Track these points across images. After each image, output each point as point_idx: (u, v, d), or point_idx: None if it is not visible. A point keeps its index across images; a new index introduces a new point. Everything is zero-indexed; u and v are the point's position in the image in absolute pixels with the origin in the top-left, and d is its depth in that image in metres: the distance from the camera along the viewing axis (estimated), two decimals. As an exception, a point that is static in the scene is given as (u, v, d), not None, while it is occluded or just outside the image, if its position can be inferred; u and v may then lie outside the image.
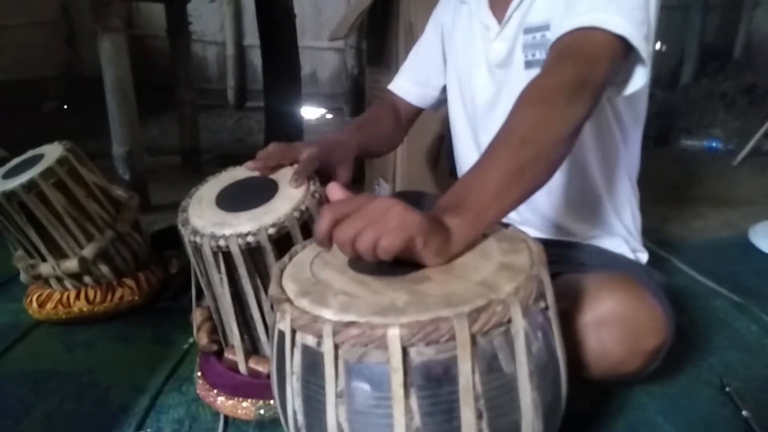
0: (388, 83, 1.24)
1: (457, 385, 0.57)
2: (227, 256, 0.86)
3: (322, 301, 0.61)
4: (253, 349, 0.97)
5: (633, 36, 0.76)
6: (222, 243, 0.84)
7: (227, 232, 0.85)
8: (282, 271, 0.71)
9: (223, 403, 0.94)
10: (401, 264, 0.66)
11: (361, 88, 4.14)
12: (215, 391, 0.96)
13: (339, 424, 0.60)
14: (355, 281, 0.65)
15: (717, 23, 4.35)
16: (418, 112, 1.23)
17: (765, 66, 3.71)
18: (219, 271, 0.89)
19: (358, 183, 2.05)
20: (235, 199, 0.91)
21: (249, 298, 0.90)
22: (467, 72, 1.09)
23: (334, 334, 0.57)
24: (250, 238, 0.84)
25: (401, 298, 0.60)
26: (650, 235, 1.29)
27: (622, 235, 1.08)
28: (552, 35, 0.84)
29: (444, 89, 1.19)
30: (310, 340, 0.60)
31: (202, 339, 1.02)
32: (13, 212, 1.16)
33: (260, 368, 0.95)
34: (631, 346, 0.80)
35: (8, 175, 1.20)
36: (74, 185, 1.20)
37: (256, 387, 0.94)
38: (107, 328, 1.26)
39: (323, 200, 0.92)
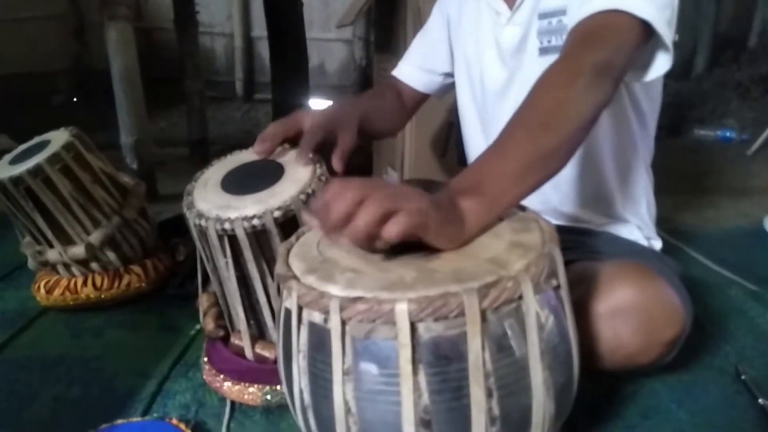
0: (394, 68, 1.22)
1: (466, 362, 0.56)
2: (233, 239, 0.85)
3: (328, 278, 0.60)
4: (259, 334, 0.96)
5: (656, 20, 0.74)
6: (227, 226, 0.83)
7: (232, 215, 0.84)
8: (289, 250, 0.70)
9: (229, 388, 0.93)
10: (410, 243, 0.65)
11: (370, 80, 4.12)
12: (222, 376, 0.95)
13: (346, 402, 0.58)
14: (362, 259, 0.64)
15: (731, 12, 4.28)
16: (422, 98, 1.21)
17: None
18: (224, 255, 0.88)
19: (365, 172, 2.03)
20: (240, 182, 0.90)
21: (255, 282, 0.89)
22: (477, 59, 1.06)
23: (341, 309, 0.56)
24: (255, 221, 0.83)
25: (409, 274, 0.59)
26: (663, 224, 1.27)
27: (635, 223, 1.06)
28: (570, 19, 0.83)
29: (449, 76, 1.17)
30: (317, 317, 0.59)
31: (209, 324, 1.01)
32: (20, 198, 1.16)
33: (267, 353, 0.94)
34: (648, 337, 0.78)
35: (15, 161, 1.20)
36: (81, 171, 1.20)
37: (263, 372, 0.93)
38: (114, 315, 1.26)
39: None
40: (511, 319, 0.58)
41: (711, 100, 3.48)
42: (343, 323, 0.57)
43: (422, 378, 0.56)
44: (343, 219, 0.57)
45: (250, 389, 0.92)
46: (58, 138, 1.21)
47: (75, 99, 4.33)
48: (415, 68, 1.17)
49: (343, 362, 0.58)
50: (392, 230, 0.56)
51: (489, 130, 1.07)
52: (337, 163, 0.91)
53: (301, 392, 0.63)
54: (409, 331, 0.55)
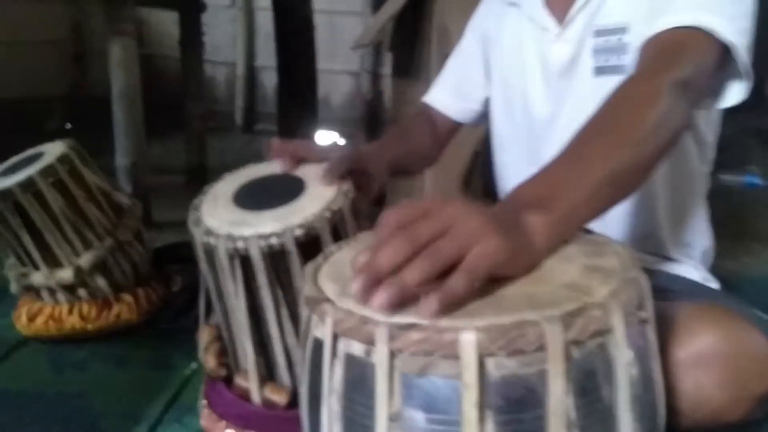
0: (417, 94, 1.15)
1: (544, 408, 0.45)
2: (245, 261, 0.75)
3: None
4: (268, 374, 0.85)
5: (737, 45, 0.70)
6: (240, 245, 0.73)
7: (246, 232, 0.74)
8: (317, 270, 0.60)
9: (232, 435, 0.82)
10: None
11: (376, 114, 4.07)
12: (223, 422, 0.84)
13: (391, 457, 0.47)
14: None
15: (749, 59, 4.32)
16: (457, 127, 1.13)
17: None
18: (234, 280, 0.77)
19: (378, 205, 1.94)
20: (256, 197, 0.81)
21: (268, 312, 0.78)
22: (520, 81, 0.98)
23: (390, 339, 0.46)
24: (273, 240, 0.73)
25: (472, 298, 0.49)
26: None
27: (691, 264, 0.96)
28: (641, 33, 0.77)
29: (486, 102, 1.09)
30: (357, 349, 0.49)
31: (210, 362, 0.90)
32: (7, 213, 1.07)
33: (276, 397, 0.83)
34: (737, 390, 0.67)
35: (5, 174, 1.11)
36: (74, 186, 1.11)
37: (272, 419, 0.82)
38: (101, 348, 1.16)
39: (356, 204, 0.82)
40: (598, 356, 0.47)
41: (733, 146, 3.46)
42: (392, 356, 0.46)
43: (490, 427, 0.45)
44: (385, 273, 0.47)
45: (257, 438, 0.80)
46: (53, 150, 1.13)
47: (70, 125, 4.25)
48: (449, 95, 1.09)
49: (390, 405, 0.47)
50: (458, 286, 0.46)
51: (537, 157, 0.98)
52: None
53: (332, 443, 0.52)
54: (477, 368, 0.44)
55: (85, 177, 1.13)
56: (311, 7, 2.48)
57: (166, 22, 4.59)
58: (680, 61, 0.68)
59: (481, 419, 0.45)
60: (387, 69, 4.28)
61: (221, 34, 4.60)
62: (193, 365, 1.05)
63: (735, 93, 0.75)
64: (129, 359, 1.13)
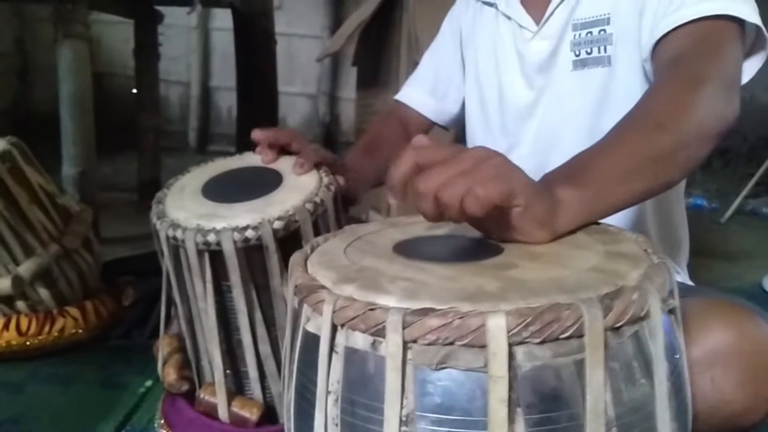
0: (383, 105, 1.10)
1: (581, 406, 0.39)
2: (216, 257, 0.67)
3: (375, 287, 0.43)
4: (237, 388, 0.76)
5: (762, 27, 0.70)
6: (211, 238, 0.66)
7: (219, 225, 0.66)
8: (305, 259, 0.53)
9: (194, 457, 0.72)
10: (469, 253, 0.50)
11: (333, 136, 4.03)
12: (184, 442, 0.74)
13: (403, 467, 0.40)
14: (413, 268, 0.48)
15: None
16: (430, 127, 1.08)
17: (737, 131, 3.85)
18: (203, 279, 0.69)
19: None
20: (228, 190, 0.73)
21: (240, 316, 0.70)
22: (495, 79, 0.95)
23: (404, 326, 0.39)
24: (249, 233, 0.65)
25: (490, 284, 0.43)
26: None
27: (675, 268, 0.94)
28: (623, 24, 0.78)
29: (458, 102, 1.05)
30: (361, 341, 0.42)
31: (170, 375, 0.80)
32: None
33: (246, 413, 0.74)
34: (756, 389, 0.63)
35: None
36: (16, 187, 1.00)
37: (241, 437, 0.72)
38: (42, 367, 1.04)
39: (340, 197, 0.75)
40: (634, 345, 0.42)
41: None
42: (405, 347, 0.40)
43: (521, 428, 0.39)
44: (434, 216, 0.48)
45: (224, 459, 0.71)
46: (-7, 146, 1.01)
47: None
48: (426, 95, 1.05)
49: (402, 405, 0.40)
50: (473, 206, 0.46)
51: (511, 154, 0.94)
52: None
53: (326, 454, 0.44)
54: (507, 358, 0.38)
55: (29, 177, 1.03)
56: (273, 28, 2.43)
57: (117, 40, 4.46)
58: (719, 50, 0.67)
59: (511, 419, 0.38)
60: (345, 92, 4.27)
61: (176, 53, 4.50)
62: (148, 383, 0.95)
63: (747, 70, 0.74)
64: (74, 379, 1.01)
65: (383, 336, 0.40)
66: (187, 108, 4.74)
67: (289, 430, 0.50)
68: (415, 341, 0.40)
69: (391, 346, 0.40)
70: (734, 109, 0.66)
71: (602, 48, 0.83)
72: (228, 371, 0.74)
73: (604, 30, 0.82)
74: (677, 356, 0.46)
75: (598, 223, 0.59)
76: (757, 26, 0.70)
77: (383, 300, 0.41)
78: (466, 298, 0.40)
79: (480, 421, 0.39)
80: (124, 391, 0.95)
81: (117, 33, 4.30)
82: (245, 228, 0.65)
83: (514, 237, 0.51)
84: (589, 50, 0.84)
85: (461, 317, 0.39)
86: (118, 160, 3.57)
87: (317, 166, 0.76)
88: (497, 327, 0.38)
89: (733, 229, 2.86)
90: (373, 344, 0.41)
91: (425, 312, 0.39)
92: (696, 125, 0.61)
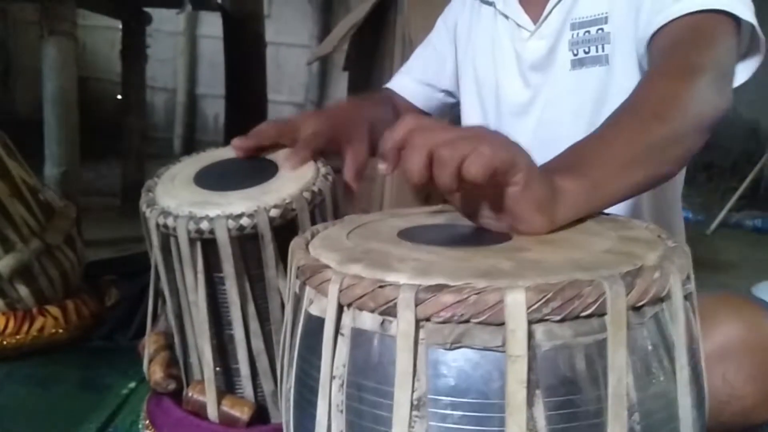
0: None
1: (602, 389, 0.37)
2: (208, 246, 0.65)
3: (384, 266, 0.41)
4: (227, 386, 0.73)
5: (755, 24, 0.69)
6: (204, 226, 0.63)
7: (212, 212, 0.63)
8: (307, 243, 0.50)
9: (182, 458, 0.69)
10: (477, 238, 0.48)
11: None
12: (170, 443, 0.70)
13: (414, 455, 0.38)
14: (421, 250, 0.46)
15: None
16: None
17: (720, 146, 3.91)
18: (194, 270, 0.66)
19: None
20: (221, 178, 0.71)
21: (232, 309, 0.67)
22: (491, 77, 0.95)
23: (417, 303, 0.37)
24: (244, 221, 0.63)
25: (503, 263, 0.41)
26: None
27: None
28: (621, 23, 0.78)
29: (450, 95, 1.06)
30: (369, 321, 0.40)
31: (156, 373, 0.77)
32: None
33: (237, 413, 0.71)
34: (766, 383, 0.62)
35: None
36: (-3, 179, 0.95)
37: (231, 437, 0.69)
38: (20, 367, 0.99)
39: (336, 189, 0.73)
40: (655, 327, 0.40)
41: (661, 185, 3.69)
42: (417, 326, 0.37)
43: (540, 412, 0.37)
44: (421, 175, 0.45)
45: (213, 460, 0.68)
46: (-27, 137, 0.98)
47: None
48: (414, 81, 1.05)
49: (413, 388, 0.38)
50: (474, 167, 0.43)
51: None
52: (351, 179, 0.78)
53: (330, 445, 0.41)
54: (527, 335, 0.36)
55: (10, 170, 0.99)
56: (263, 30, 2.42)
57: (103, 44, 4.42)
58: (713, 42, 0.67)
59: (530, 402, 0.36)
60: (333, 101, 4.27)
61: (162, 58, 4.47)
62: (131, 384, 0.91)
63: (742, 72, 0.74)
64: (54, 379, 0.96)
65: (394, 315, 0.38)
66: (172, 115, 4.69)
67: (287, 423, 0.48)
68: (428, 319, 0.37)
69: (402, 325, 0.38)
70: (727, 99, 0.66)
71: (600, 47, 0.83)
72: (218, 368, 0.71)
73: (602, 29, 0.83)
74: (695, 346, 0.45)
75: (607, 214, 0.58)
76: (752, 28, 0.71)
77: (393, 277, 0.39)
78: (482, 275, 0.38)
79: (497, 404, 0.37)
80: (107, 392, 0.91)
81: (103, 37, 4.26)
82: (240, 216, 0.63)
83: (509, 223, 0.49)
84: (587, 49, 0.84)
85: (478, 293, 0.36)
86: (101, 166, 3.52)
87: (315, 157, 0.74)
88: (516, 303, 0.36)
89: (719, 241, 2.90)
90: (383, 324, 0.39)
91: (439, 288, 0.37)
92: (692, 116, 0.61)
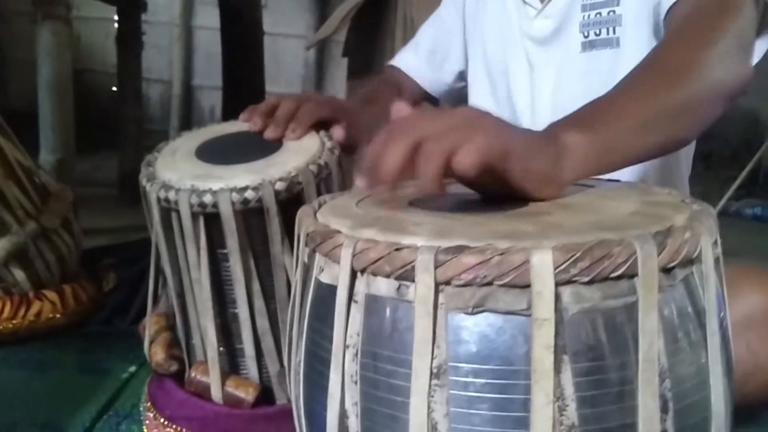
0: None
1: (632, 354, 0.35)
2: (211, 220, 0.62)
3: (400, 229, 0.39)
4: (231, 367, 0.71)
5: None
6: (207, 199, 0.61)
7: (216, 185, 0.61)
8: (315, 212, 0.48)
9: (184, 442, 0.67)
10: (493, 205, 0.46)
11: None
12: (174, 426, 0.69)
13: (433, 426, 0.36)
14: (436, 216, 0.44)
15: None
16: (422, 98, 1.04)
17: (719, 135, 3.89)
18: (197, 245, 0.64)
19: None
20: (223, 152, 0.69)
21: (236, 286, 0.65)
22: (501, 57, 0.93)
23: (437, 265, 0.35)
24: (249, 194, 0.61)
25: (525, 226, 0.39)
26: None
27: None
28: (632, 4, 0.77)
29: (460, 78, 1.02)
30: (384, 287, 0.38)
31: (157, 354, 0.75)
32: None
33: (241, 394, 0.69)
34: None
35: None
36: (-8, 160, 0.93)
37: (235, 420, 0.68)
38: (16, 352, 0.96)
39: (342, 163, 0.71)
40: (685, 291, 0.38)
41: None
42: (436, 290, 0.35)
43: (567, 378, 0.35)
44: (399, 169, 0.40)
45: (217, 442, 0.66)
46: (-34, 116, 0.95)
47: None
48: (422, 60, 1.01)
49: (433, 356, 0.36)
50: (465, 161, 0.39)
51: None
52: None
53: (343, 417, 0.39)
54: (554, 297, 0.34)
55: (5, 150, 0.96)
56: (261, 17, 2.39)
57: (98, 36, 4.38)
58: (735, 10, 0.65)
59: (557, 369, 0.34)
60: (330, 92, 4.23)
61: (157, 50, 4.42)
62: (132, 368, 0.89)
63: (758, 49, 0.72)
64: (52, 364, 0.93)
65: (411, 279, 0.36)
66: (168, 107, 4.65)
67: (297, 398, 0.46)
68: (448, 283, 0.35)
69: (421, 289, 0.36)
70: (747, 70, 0.64)
71: (611, 29, 0.82)
72: (221, 348, 0.69)
73: (614, 11, 0.81)
74: (723, 312, 0.43)
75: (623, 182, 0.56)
76: (765, 5, 0.69)
77: (410, 240, 0.37)
78: (504, 236, 0.36)
79: (521, 371, 0.35)
80: (106, 376, 0.88)
81: (97, 29, 4.21)
82: (244, 189, 0.61)
83: (520, 194, 0.46)
84: (597, 31, 0.83)
85: (501, 254, 0.34)
86: (97, 158, 3.48)
87: (316, 129, 0.72)
88: (543, 263, 0.34)
89: (721, 230, 2.87)
90: (399, 289, 0.37)
91: (460, 249, 0.35)
92: (710, 81, 0.59)
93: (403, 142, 0.40)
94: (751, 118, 4.15)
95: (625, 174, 0.67)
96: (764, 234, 2.96)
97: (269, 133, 0.70)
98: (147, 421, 0.72)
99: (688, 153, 0.95)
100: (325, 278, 0.42)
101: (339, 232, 0.41)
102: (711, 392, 0.38)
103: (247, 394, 0.68)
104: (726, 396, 0.40)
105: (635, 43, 0.79)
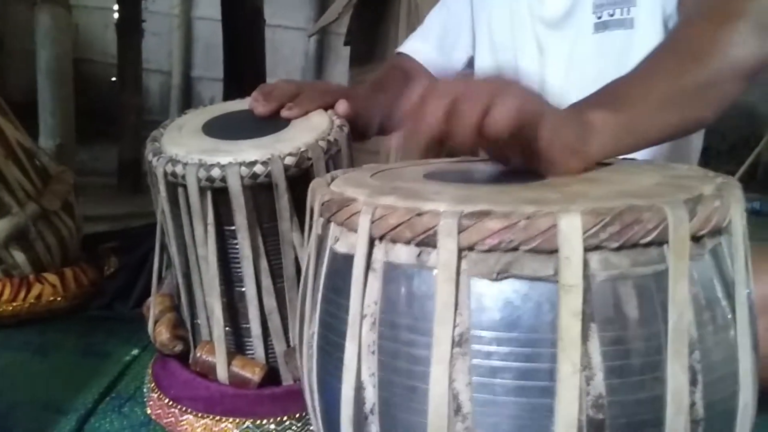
0: None
1: (661, 324, 0.34)
2: (219, 197, 0.61)
3: (419, 196, 0.38)
4: (237, 347, 0.70)
5: None
6: (216, 173, 0.59)
7: (224, 159, 0.60)
8: (329, 183, 0.47)
9: (191, 423, 0.66)
10: (513, 177, 0.45)
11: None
12: (179, 407, 0.68)
13: (455, 396, 0.35)
14: (455, 187, 0.43)
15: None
16: None
17: (716, 130, 3.88)
18: (204, 221, 0.63)
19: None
20: (231, 129, 0.67)
21: (244, 263, 0.64)
22: (510, 40, 0.91)
23: (460, 230, 0.34)
24: (258, 168, 0.59)
25: (549, 194, 0.38)
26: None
27: None
28: None
29: (467, 64, 1.01)
30: (404, 254, 0.36)
31: (162, 334, 0.73)
32: None
33: (248, 374, 0.68)
34: None
35: None
36: (-9, 139, 0.91)
37: (242, 400, 0.67)
38: (17, 335, 0.95)
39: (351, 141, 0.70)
40: (713, 261, 0.37)
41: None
42: (459, 256, 0.34)
43: (595, 347, 0.34)
44: (439, 122, 0.41)
45: (223, 424, 0.65)
46: (-34, 95, 0.93)
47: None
48: (431, 46, 0.99)
49: (455, 323, 0.35)
50: (500, 119, 0.40)
51: None
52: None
53: (360, 389, 0.38)
54: (582, 263, 0.33)
55: (5, 131, 0.94)
56: (262, 4, 2.37)
57: (97, 26, 4.34)
58: None
59: (585, 337, 0.33)
60: (330, 84, 4.22)
61: (157, 40, 4.39)
62: (134, 351, 0.87)
63: None
64: (53, 346, 0.92)
65: (433, 245, 0.35)
66: (167, 98, 4.62)
67: (309, 372, 0.44)
68: (471, 248, 0.34)
69: (443, 254, 0.34)
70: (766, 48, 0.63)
71: (626, 10, 0.80)
72: (228, 328, 0.68)
73: None
74: (750, 287, 0.42)
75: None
76: None
77: (431, 206, 0.36)
78: (530, 201, 0.35)
79: (546, 339, 0.34)
80: (108, 359, 0.87)
81: (97, 18, 4.18)
82: (253, 163, 0.59)
83: (543, 167, 0.46)
84: (611, 12, 0.81)
85: (528, 218, 0.33)
86: (97, 147, 3.46)
87: (324, 108, 0.71)
88: (571, 227, 0.33)
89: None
90: (419, 256, 0.36)
91: (485, 213, 0.34)
92: (731, 60, 0.59)
93: (440, 99, 0.41)
94: (748, 113, 4.14)
95: (637, 157, 0.66)
96: (763, 228, 2.94)
97: (259, 108, 0.69)
98: (151, 402, 0.71)
99: (697, 144, 0.94)
100: (341, 247, 0.40)
101: (355, 199, 0.40)
102: (739, 366, 0.37)
103: (254, 374, 0.67)
104: (753, 371, 0.39)
105: (649, 24, 0.77)
